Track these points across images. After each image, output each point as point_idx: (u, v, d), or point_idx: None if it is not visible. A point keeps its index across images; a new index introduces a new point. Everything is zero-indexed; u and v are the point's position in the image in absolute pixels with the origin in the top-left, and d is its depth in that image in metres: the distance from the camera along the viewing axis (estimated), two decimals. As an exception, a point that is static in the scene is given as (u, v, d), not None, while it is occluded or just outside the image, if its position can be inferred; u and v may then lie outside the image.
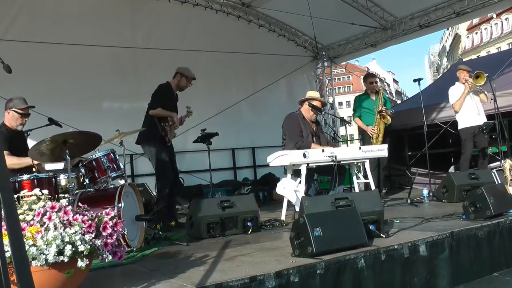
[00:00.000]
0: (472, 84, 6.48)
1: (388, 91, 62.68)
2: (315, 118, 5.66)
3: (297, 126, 5.46)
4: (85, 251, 2.30)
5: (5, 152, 4.13)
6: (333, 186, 5.17)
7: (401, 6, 8.71)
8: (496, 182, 5.58)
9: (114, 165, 4.23)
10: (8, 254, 1.50)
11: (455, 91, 6.71)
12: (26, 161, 4.17)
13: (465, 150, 6.65)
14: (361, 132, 7.34)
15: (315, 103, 5.57)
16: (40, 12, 7.18)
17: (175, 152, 5.74)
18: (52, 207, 2.39)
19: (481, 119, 6.59)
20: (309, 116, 5.59)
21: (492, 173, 5.91)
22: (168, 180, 5.40)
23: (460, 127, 6.70)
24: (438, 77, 34.47)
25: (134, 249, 3.82)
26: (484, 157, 6.72)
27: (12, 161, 4.13)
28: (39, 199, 2.47)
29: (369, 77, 7.51)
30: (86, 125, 6.22)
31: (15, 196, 2.47)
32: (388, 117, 6.92)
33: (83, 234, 2.34)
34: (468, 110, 6.60)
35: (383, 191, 7.16)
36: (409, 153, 8.71)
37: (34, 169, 4.23)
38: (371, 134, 6.92)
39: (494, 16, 41.29)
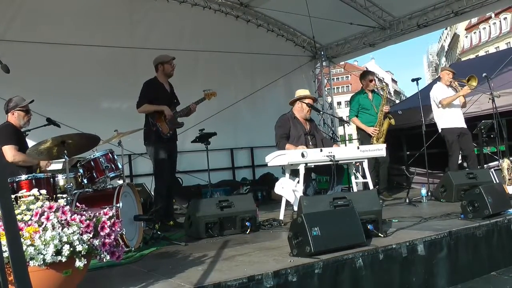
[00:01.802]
0: (456, 86, 6.45)
1: (387, 91, 62.64)
2: (309, 116, 5.65)
3: (283, 127, 5.46)
4: (83, 251, 2.30)
5: (15, 147, 4.19)
6: (331, 186, 5.18)
7: (399, 6, 8.72)
8: (494, 182, 5.59)
9: (113, 165, 4.24)
10: (6, 254, 1.50)
11: (441, 91, 6.65)
12: (34, 161, 4.23)
13: (452, 152, 6.60)
14: (359, 131, 7.07)
15: (308, 101, 5.58)
16: (38, 12, 7.18)
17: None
18: (50, 207, 2.39)
19: (462, 123, 6.58)
20: (304, 115, 5.59)
21: (490, 173, 5.92)
22: (165, 179, 5.36)
23: (443, 126, 6.61)
24: (436, 76, 34.49)
25: (133, 249, 3.82)
26: (473, 158, 6.67)
27: (21, 158, 4.17)
28: (37, 199, 2.47)
29: (369, 74, 7.11)
30: (85, 125, 6.29)
31: (13, 196, 2.47)
32: (393, 120, 6.75)
33: (81, 234, 2.34)
34: (451, 112, 6.55)
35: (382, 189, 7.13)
36: (408, 152, 8.70)
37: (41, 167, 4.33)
38: (373, 134, 6.67)
39: (493, 15, 41.30)
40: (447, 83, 6.64)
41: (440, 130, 6.69)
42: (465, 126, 6.60)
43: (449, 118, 6.57)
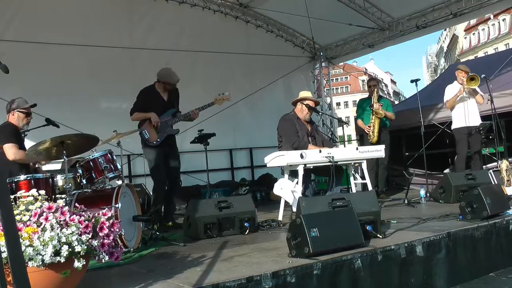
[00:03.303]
0: (466, 86, 6.46)
1: (386, 92, 62.63)
2: (309, 118, 5.66)
3: (292, 127, 5.46)
4: (81, 252, 2.31)
5: (15, 145, 4.19)
6: (330, 187, 5.17)
7: (398, 7, 8.73)
8: (493, 183, 5.59)
9: (112, 166, 4.24)
10: (4, 255, 1.50)
11: (450, 90, 6.72)
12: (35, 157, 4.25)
13: (459, 150, 6.66)
14: (360, 133, 7.52)
15: (308, 103, 5.58)
16: (37, 12, 7.17)
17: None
18: (49, 208, 2.39)
19: (475, 121, 6.56)
20: (303, 116, 5.59)
21: (489, 174, 5.92)
22: (160, 180, 5.35)
23: (453, 127, 6.72)
24: (435, 77, 34.50)
25: (131, 249, 3.81)
26: (477, 158, 6.71)
27: (22, 155, 4.17)
28: (36, 199, 2.47)
29: (369, 81, 7.86)
30: (84, 125, 6.28)
31: (12, 196, 2.47)
32: (381, 112, 7.06)
33: (80, 235, 2.34)
34: (462, 111, 6.57)
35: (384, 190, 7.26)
36: (407, 153, 8.72)
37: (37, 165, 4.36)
38: (368, 131, 7.17)
39: (492, 17, 41.33)
40: (459, 82, 6.66)
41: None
42: (478, 124, 6.56)
43: (459, 117, 6.63)
